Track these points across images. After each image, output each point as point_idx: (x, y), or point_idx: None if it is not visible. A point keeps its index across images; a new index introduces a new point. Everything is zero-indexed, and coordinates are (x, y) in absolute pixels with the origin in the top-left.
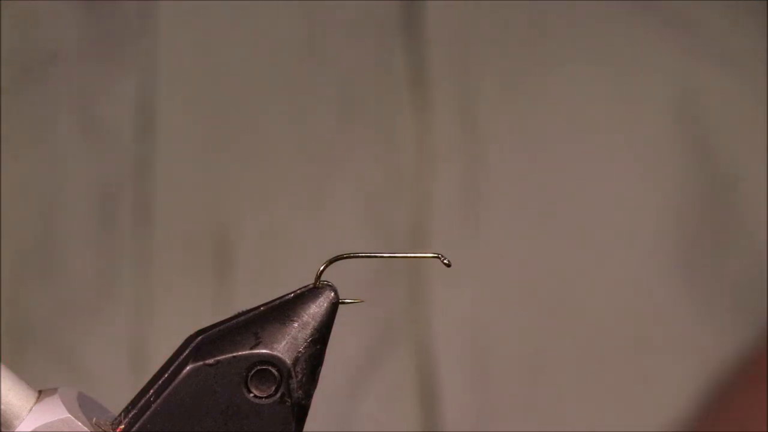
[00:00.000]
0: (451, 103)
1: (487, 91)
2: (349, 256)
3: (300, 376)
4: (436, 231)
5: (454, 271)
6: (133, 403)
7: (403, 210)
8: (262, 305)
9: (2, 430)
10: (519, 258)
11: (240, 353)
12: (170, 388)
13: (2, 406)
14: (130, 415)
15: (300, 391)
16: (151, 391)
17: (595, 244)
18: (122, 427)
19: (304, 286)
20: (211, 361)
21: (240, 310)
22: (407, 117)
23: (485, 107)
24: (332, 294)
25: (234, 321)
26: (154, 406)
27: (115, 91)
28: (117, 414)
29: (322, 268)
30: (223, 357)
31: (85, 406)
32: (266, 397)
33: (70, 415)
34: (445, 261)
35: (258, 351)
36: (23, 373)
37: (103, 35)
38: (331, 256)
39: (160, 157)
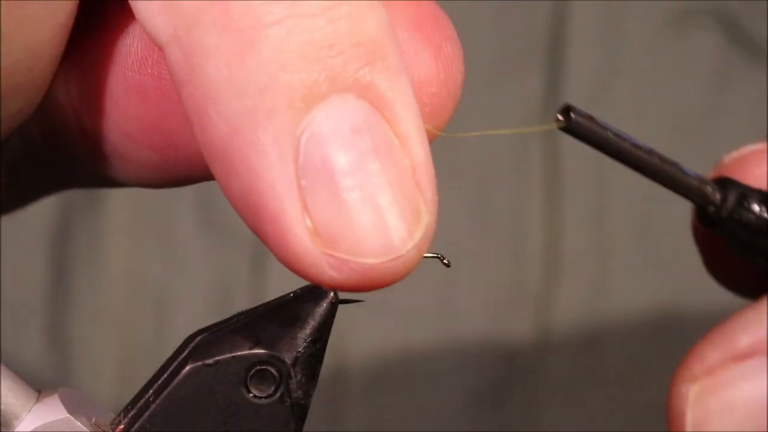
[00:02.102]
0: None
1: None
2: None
3: (299, 376)
4: (559, 337)
5: None
6: (132, 403)
7: (527, 317)
8: (262, 305)
9: (2, 430)
10: None
11: (239, 353)
12: (169, 388)
13: (2, 406)
14: (129, 415)
15: (299, 391)
16: (151, 391)
17: None
18: (121, 427)
19: (304, 286)
20: (210, 361)
21: (239, 311)
22: (538, 216)
23: (617, 209)
24: (332, 294)
25: (233, 321)
26: (153, 406)
27: None
28: (116, 414)
29: None
30: (223, 357)
31: (84, 406)
32: (266, 397)
33: (69, 416)
34: (444, 261)
35: (257, 351)
36: None
37: None
38: None
39: None
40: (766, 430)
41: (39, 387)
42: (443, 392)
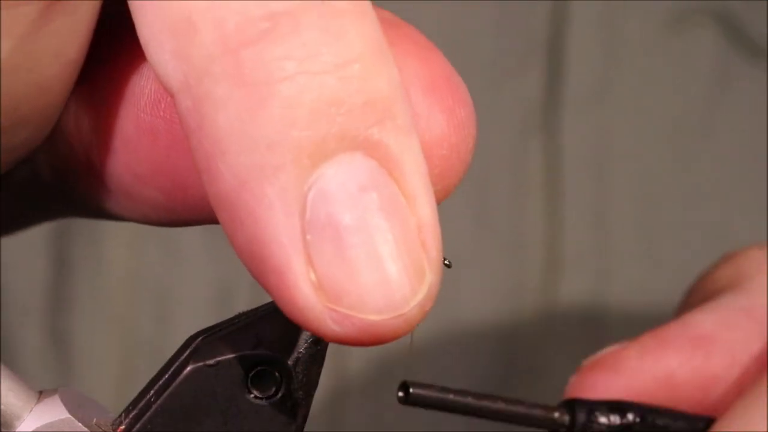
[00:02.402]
0: (584, 209)
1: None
2: None
3: (300, 377)
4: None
5: None
6: (133, 404)
7: (527, 316)
8: (263, 306)
9: (2, 430)
10: None
11: (240, 354)
12: (171, 388)
13: (2, 407)
14: (130, 416)
15: (300, 392)
16: (152, 391)
17: None
18: (123, 427)
19: None
20: (211, 361)
21: (241, 311)
22: (538, 214)
23: (618, 210)
24: None
25: (235, 321)
26: (154, 406)
27: None
28: (117, 414)
29: None
30: (224, 357)
31: (85, 406)
32: (267, 398)
33: (70, 416)
34: (446, 262)
35: (258, 351)
36: None
37: None
38: None
39: None
40: None
41: (40, 387)
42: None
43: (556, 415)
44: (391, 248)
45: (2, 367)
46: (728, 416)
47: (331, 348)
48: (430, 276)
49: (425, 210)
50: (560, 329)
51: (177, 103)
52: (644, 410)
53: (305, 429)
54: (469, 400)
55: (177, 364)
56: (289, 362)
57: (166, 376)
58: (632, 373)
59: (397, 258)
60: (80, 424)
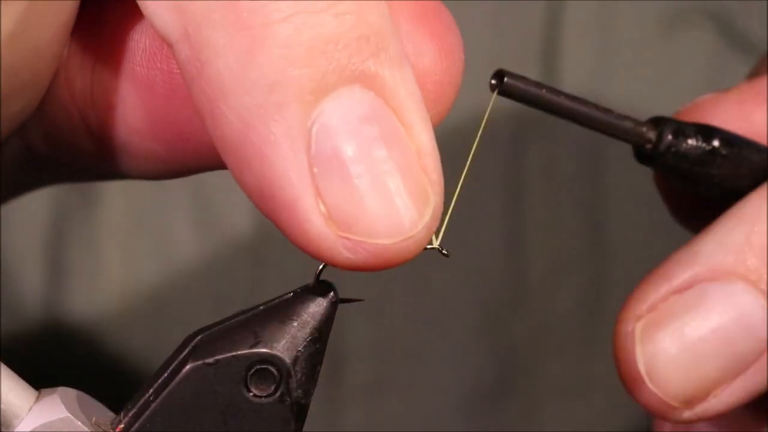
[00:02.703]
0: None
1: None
2: None
3: (299, 375)
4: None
5: None
6: (132, 403)
7: (524, 319)
8: (262, 304)
9: (2, 429)
10: None
11: (239, 352)
12: (170, 387)
13: (2, 406)
14: (129, 415)
15: (299, 391)
16: (151, 390)
17: None
18: (122, 426)
19: (304, 286)
20: (210, 360)
21: (239, 310)
22: (535, 216)
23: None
24: (331, 293)
25: (233, 320)
26: (153, 405)
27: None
28: (116, 413)
29: (321, 267)
30: (223, 356)
31: (84, 405)
32: (266, 397)
33: (69, 415)
34: (444, 252)
35: (257, 350)
36: None
37: None
38: None
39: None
40: (714, 351)
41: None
42: (440, 393)
43: (644, 129)
44: (395, 175)
45: (2, 366)
46: None
47: (328, 349)
48: (434, 198)
49: (423, 136)
50: (557, 332)
51: (176, 52)
52: (731, 138)
53: (304, 428)
54: (561, 99)
55: (176, 362)
56: (288, 361)
57: (165, 374)
58: (727, 122)
59: (401, 184)
60: (79, 423)
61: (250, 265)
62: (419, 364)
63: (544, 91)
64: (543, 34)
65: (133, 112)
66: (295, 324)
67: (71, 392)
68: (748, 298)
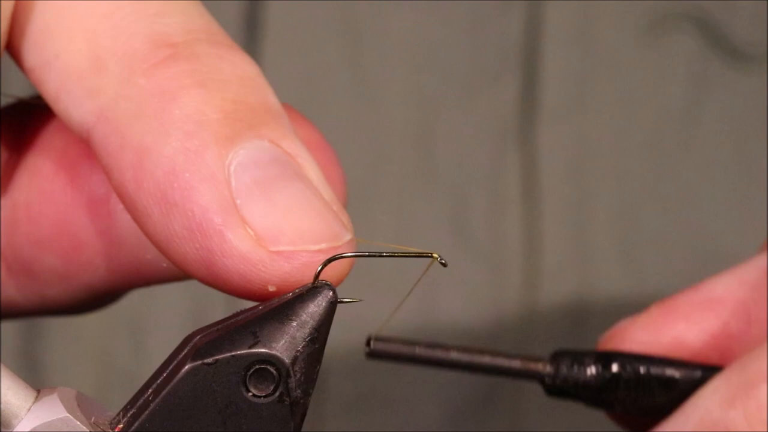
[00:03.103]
0: (563, 215)
1: (599, 204)
2: (346, 256)
3: (298, 375)
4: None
5: None
6: (131, 403)
7: (507, 331)
8: (261, 305)
9: (1, 429)
10: None
11: (238, 352)
12: (169, 387)
13: (1, 406)
14: (128, 415)
15: (298, 390)
16: (150, 390)
17: None
18: (121, 426)
19: (303, 286)
20: (209, 360)
21: (238, 310)
22: (517, 228)
23: (596, 220)
24: (330, 293)
25: (232, 320)
26: (152, 405)
27: None
28: (115, 413)
29: (320, 267)
30: (222, 356)
31: (83, 405)
32: (265, 396)
33: (68, 415)
34: (441, 261)
35: (256, 350)
36: None
37: None
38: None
39: None
40: None
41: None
42: (425, 408)
43: (539, 366)
44: (310, 198)
45: (2, 366)
46: (737, 364)
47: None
48: (350, 226)
49: (328, 195)
50: (540, 343)
51: (94, 136)
52: (633, 359)
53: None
54: (439, 353)
55: (175, 362)
56: (288, 361)
57: (164, 374)
58: (641, 344)
59: (316, 203)
60: (78, 422)
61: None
62: (404, 379)
63: (417, 349)
64: (522, 43)
65: (38, 223)
66: (294, 324)
67: (70, 392)
68: None
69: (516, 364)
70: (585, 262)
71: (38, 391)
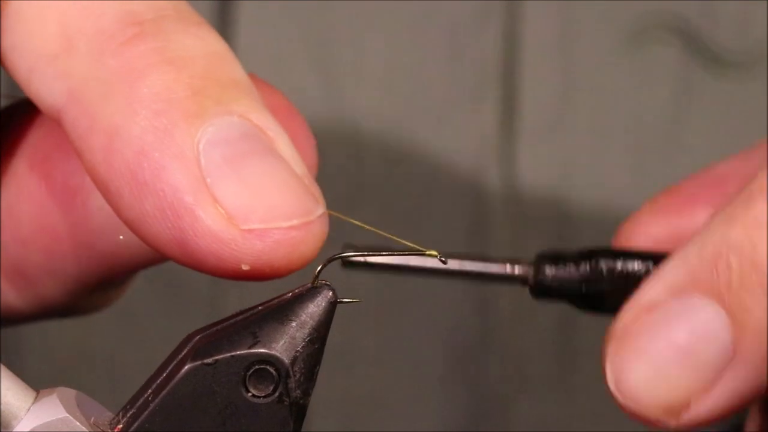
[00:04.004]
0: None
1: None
2: (346, 255)
3: (298, 376)
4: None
5: None
6: (131, 403)
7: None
8: (261, 305)
9: (1, 429)
10: None
11: (238, 353)
12: (168, 387)
13: (1, 406)
14: (128, 415)
15: (298, 391)
16: (149, 390)
17: None
18: (120, 426)
19: (303, 286)
20: (209, 360)
21: (238, 310)
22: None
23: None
24: (330, 293)
25: (232, 320)
26: (152, 405)
27: None
28: (115, 414)
29: (320, 267)
30: (221, 356)
31: (83, 406)
32: (264, 397)
33: (68, 415)
34: (442, 259)
35: (256, 350)
36: None
37: None
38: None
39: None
40: (678, 363)
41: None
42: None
43: (521, 267)
44: (281, 171)
45: (1, 367)
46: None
47: None
48: (321, 200)
49: (300, 168)
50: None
51: (64, 116)
52: (615, 254)
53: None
54: (416, 260)
55: (174, 362)
56: (287, 361)
57: (164, 375)
58: (652, 236)
59: (287, 178)
60: (78, 423)
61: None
62: (389, 409)
63: (394, 256)
64: (501, 60)
65: (19, 221)
66: (294, 324)
67: (70, 392)
68: (705, 308)
69: (498, 267)
70: None
71: (38, 392)
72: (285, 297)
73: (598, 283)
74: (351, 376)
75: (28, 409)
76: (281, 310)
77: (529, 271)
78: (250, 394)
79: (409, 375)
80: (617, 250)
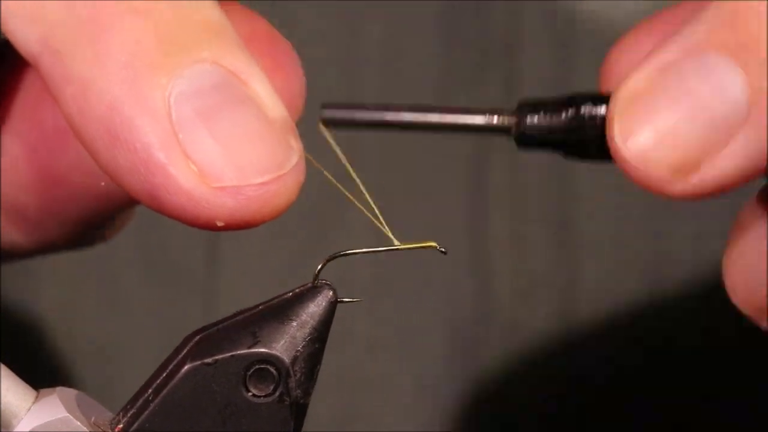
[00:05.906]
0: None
1: None
2: (346, 254)
3: (299, 375)
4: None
5: None
6: (131, 403)
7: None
8: (261, 304)
9: (1, 429)
10: None
11: (238, 352)
12: (168, 387)
13: (1, 406)
14: (128, 415)
15: (298, 390)
16: (150, 390)
17: None
18: (121, 426)
19: (303, 285)
20: (209, 360)
21: (238, 309)
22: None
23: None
24: (330, 293)
25: (232, 320)
26: (152, 405)
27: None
28: (115, 413)
29: (320, 266)
30: (222, 356)
31: (83, 406)
32: (265, 396)
33: (68, 415)
34: (441, 249)
35: (256, 350)
36: None
37: None
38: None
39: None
40: (691, 121)
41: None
42: (409, 422)
43: (501, 118)
44: (254, 124)
45: (1, 366)
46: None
47: None
48: (296, 144)
49: (275, 106)
50: (527, 356)
51: (40, 65)
52: (598, 98)
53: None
54: (391, 113)
55: (175, 362)
56: (288, 361)
57: (164, 374)
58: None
59: (261, 131)
60: (78, 422)
61: (203, 307)
62: (386, 392)
63: (371, 112)
64: (501, 44)
65: (15, 165)
66: (294, 324)
67: (70, 392)
68: (721, 65)
69: (480, 119)
70: (570, 276)
71: (38, 392)
72: (285, 296)
73: (581, 130)
74: (347, 357)
75: (29, 409)
76: (281, 310)
77: (512, 121)
78: (250, 393)
79: (406, 357)
80: (599, 95)
